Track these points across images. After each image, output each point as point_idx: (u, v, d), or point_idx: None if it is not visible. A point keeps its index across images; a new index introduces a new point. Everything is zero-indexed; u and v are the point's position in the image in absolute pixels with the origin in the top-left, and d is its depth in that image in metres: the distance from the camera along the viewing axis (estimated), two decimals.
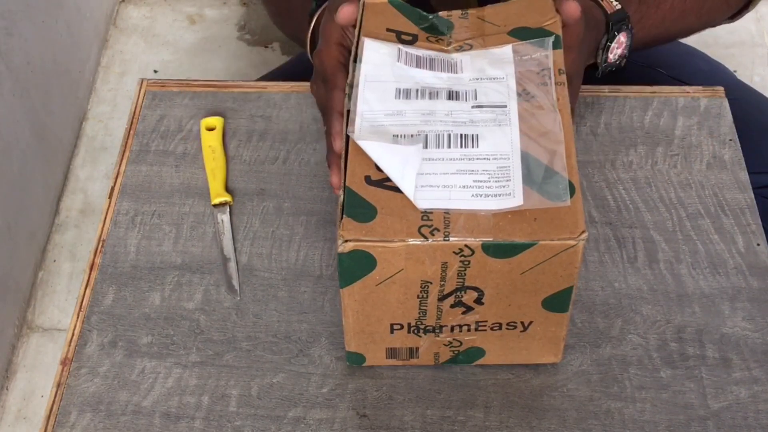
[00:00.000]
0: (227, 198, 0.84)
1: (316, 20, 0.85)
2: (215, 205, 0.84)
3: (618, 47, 0.86)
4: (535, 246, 0.61)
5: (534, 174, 0.64)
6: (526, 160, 0.64)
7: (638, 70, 0.89)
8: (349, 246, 0.62)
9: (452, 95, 0.69)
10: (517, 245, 0.61)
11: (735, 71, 1.81)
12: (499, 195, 0.63)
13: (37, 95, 1.61)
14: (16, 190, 1.53)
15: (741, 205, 0.83)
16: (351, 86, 0.70)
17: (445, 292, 0.65)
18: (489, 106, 0.68)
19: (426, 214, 0.62)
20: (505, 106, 0.68)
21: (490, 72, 0.70)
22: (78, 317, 0.78)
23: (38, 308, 1.59)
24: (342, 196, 0.63)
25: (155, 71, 1.92)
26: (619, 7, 0.85)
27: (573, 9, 0.74)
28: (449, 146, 0.66)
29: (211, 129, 0.90)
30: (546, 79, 0.69)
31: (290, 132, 0.90)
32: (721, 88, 0.92)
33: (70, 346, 0.76)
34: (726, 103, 0.91)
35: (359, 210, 0.62)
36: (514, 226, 0.61)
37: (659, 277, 0.79)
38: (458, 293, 0.65)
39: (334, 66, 0.75)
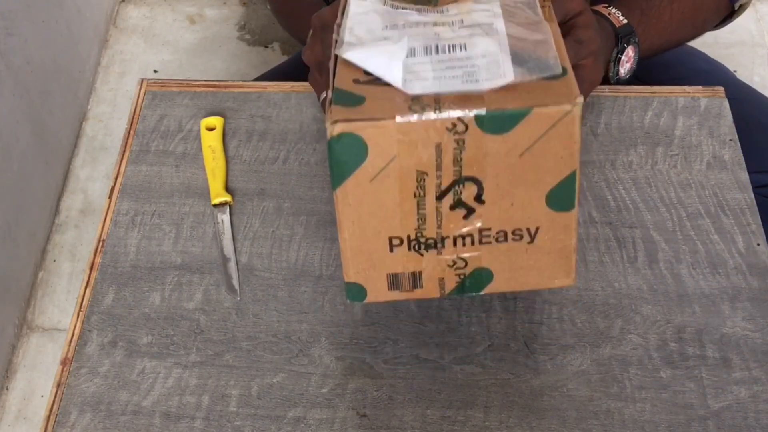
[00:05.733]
0: (227, 198, 0.84)
1: None
2: (215, 205, 0.84)
3: (627, 61, 0.87)
4: (530, 116, 0.60)
5: (526, 62, 0.64)
6: (515, 54, 0.64)
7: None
8: (339, 128, 0.60)
9: (439, 24, 0.69)
10: (512, 114, 0.61)
11: (735, 71, 1.81)
12: (491, 78, 0.63)
13: (37, 95, 1.61)
14: (16, 190, 1.53)
15: (741, 205, 0.83)
16: (339, 33, 0.70)
17: (442, 187, 0.64)
18: (476, 25, 0.68)
19: (416, 97, 0.62)
20: (492, 24, 0.68)
21: (477, 7, 0.71)
22: (78, 317, 0.78)
23: (38, 308, 1.59)
24: (329, 96, 0.63)
25: (155, 71, 1.92)
26: (625, 21, 0.86)
27: (576, 4, 0.75)
28: (437, 53, 0.66)
29: (211, 129, 0.90)
30: (534, 9, 0.70)
31: (290, 132, 0.90)
32: (721, 88, 0.92)
33: (70, 346, 0.76)
34: (726, 103, 0.91)
35: (347, 99, 0.62)
36: (507, 97, 0.61)
37: (659, 277, 0.79)
38: (456, 187, 0.64)
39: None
